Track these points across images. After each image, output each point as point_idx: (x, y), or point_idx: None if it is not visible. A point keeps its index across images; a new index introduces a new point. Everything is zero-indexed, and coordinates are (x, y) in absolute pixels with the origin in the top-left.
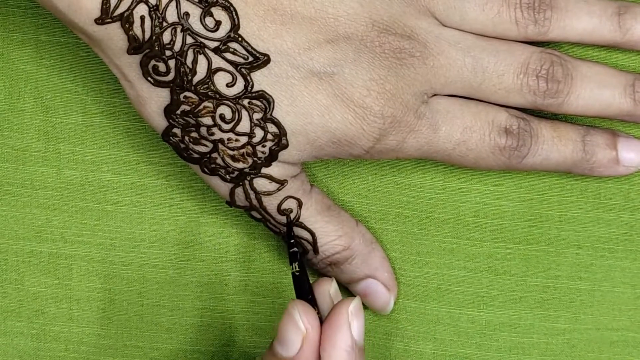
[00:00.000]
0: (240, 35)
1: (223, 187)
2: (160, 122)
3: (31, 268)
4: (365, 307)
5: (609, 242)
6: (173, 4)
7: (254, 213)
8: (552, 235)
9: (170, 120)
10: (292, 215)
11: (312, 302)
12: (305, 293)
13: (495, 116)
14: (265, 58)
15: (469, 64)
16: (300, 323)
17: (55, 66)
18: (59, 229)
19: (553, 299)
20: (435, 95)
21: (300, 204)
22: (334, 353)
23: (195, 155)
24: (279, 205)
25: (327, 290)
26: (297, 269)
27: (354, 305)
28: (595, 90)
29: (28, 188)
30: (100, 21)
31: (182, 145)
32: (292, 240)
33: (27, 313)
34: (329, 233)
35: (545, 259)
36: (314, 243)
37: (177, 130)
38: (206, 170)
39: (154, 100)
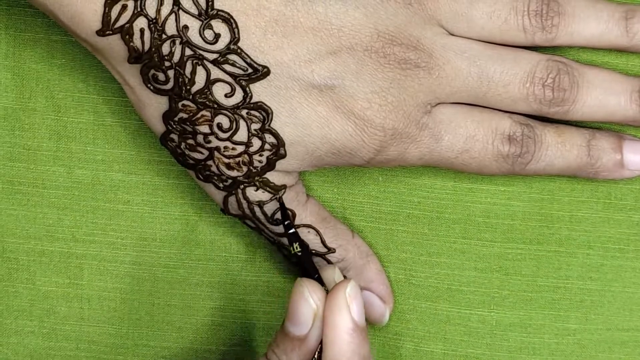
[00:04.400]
0: (239, 48)
1: (217, 195)
2: (158, 126)
3: (42, 267)
4: None
5: (619, 242)
6: (172, 17)
7: (248, 222)
8: (563, 235)
9: (168, 126)
10: None
11: (319, 281)
12: (310, 273)
13: (499, 124)
14: (265, 70)
15: (474, 74)
16: (310, 300)
17: (67, 66)
18: (70, 228)
19: (564, 299)
20: (439, 104)
21: (293, 215)
22: (335, 335)
23: (191, 162)
24: (272, 215)
25: (331, 276)
26: (299, 250)
27: (350, 287)
28: (601, 97)
29: (39, 187)
30: (101, 33)
31: (179, 151)
32: (288, 222)
33: (38, 312)
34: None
35: (556, 259)
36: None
37: (174, 136)
38: (200, 177)
39: (153, 106)
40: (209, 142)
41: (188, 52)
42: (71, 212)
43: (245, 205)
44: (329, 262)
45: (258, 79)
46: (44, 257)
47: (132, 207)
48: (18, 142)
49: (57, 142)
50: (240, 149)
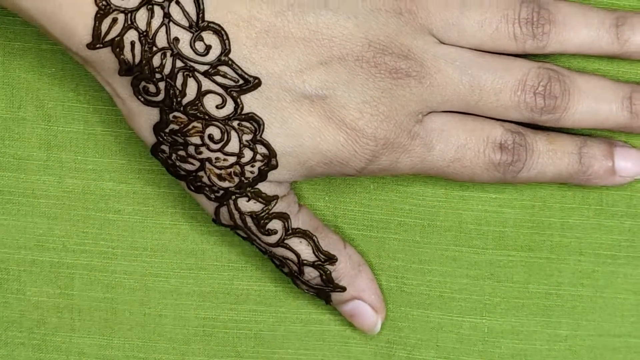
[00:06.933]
0: (230, 59)
1: (208, 206)
2: (149, 138)
3: (33, 277)
4: (354, 327)
5: (611, 248)
6: (163, 29)
7: (240, 232)
8: (554, 242)
9: (159, 137)
10: (277, 237)
11: None
12: None
13: (491, 132)
14: (256, 81)
15: (466, 82)
16: None
17: (57, 75)
18: (60, 238)
19: (555, 305)
20: (430, 113)
21: (285, 226)
22: None
23: (182, 173)
24: (264, 225)
25: None
26: None
27: None
28: (592, 104)
29: (29, 197)
30: (91, 46)
31: (170, 162)
32: None
33: (28, 323)
34: (314, 255)
35: (548, 266)
36: (299, 264)
37: (165, 147)
38: (191, 188)
39: (144, 117)
40: (200, 153)
41: (179, 64)
42: (62, 222)
43: (237, 216)
44: (322, 271)
45: (249, 90)
46: (35, 267)
47: (123, 217)
48: (8, 152)
49: (48, 152)
50: (231, 160)
